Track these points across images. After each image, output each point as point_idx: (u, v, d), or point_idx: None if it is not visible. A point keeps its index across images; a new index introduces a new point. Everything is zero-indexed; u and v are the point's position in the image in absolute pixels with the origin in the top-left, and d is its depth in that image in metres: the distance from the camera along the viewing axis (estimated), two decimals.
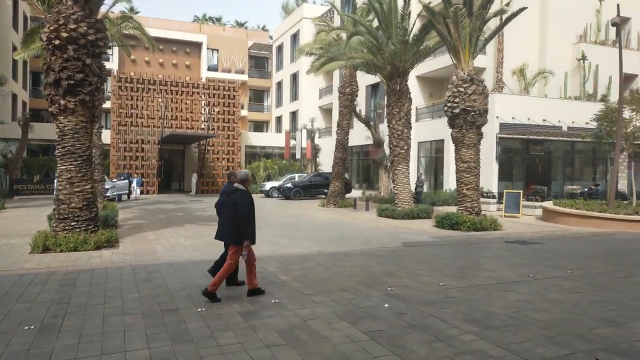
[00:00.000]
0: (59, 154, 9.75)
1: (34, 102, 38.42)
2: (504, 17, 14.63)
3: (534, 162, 24.23)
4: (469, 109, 13.76)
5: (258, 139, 37.69)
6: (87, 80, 9.67)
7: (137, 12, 53.33)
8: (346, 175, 32.35)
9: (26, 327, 4.82)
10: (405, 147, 16.93)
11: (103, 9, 17.90)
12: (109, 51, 39.57)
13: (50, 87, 9.54)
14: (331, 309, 5.55)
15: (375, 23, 17.37)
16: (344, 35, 20.11)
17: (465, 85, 13.83)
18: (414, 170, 26.99)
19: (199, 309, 5.48)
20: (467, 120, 13.88)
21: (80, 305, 5.60)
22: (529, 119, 22.94)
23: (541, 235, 12.79)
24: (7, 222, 14.09)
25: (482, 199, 20.51)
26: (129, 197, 25.69)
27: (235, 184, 6.07)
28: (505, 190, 18.87)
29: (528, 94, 25.43)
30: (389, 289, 6.54)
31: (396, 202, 16.96)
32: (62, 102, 9.54)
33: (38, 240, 9.26)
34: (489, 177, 22.50)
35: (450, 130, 14.56)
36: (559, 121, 23.43)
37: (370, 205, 20.35)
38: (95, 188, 10.26)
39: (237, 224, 5.67)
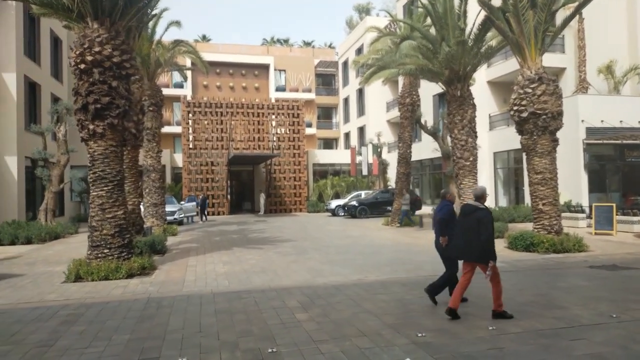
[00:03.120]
0: (91, 180, 9.64)
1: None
2: (574, 4, 12.71)
3: (632, 170, 21.15)
4: (538, 112, 11.98)
5: (325, 157, 37.15)
6: (114, 104, 9.51)
7: (209, 40, 56.00)
8: (416, 191, 30.79)
9: None
10: (471, 159, 15.25)
11: (157, 36, 18.41)
12: (186, 79, 41.74)
13: (80, 112, 9.48)
14: None
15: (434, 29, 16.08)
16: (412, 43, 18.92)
17: (532, 86, 12.09)
18: (490, 182, 24.80)
19: (181, 359, 4.66)
20: (537, 125, 12.09)
21: (60, 350, 5.04)
22: (621, 121, 20.09)
23: (637, 257, 10.61)
24: (69, 247, 14.50)
25: (568, 214, 18.11)
26: (202, 219, 26.04)
27: (472, 202, 6.06)
28: (594, 204, 16.38)
29: (618, 94, 22.41)
30: (420, 334, 5.32)
31: None
32: (91, 126, 9.43)
33: (72, 269, 9.11)
34: (577, 188, 19.95)
35: (520, 137, 12.80)
36: None
37: None
38: (127, 214, 9.97)
39: (483, 243, 5.67)
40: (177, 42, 18.96)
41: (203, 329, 5.68)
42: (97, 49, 9.42)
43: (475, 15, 14.52)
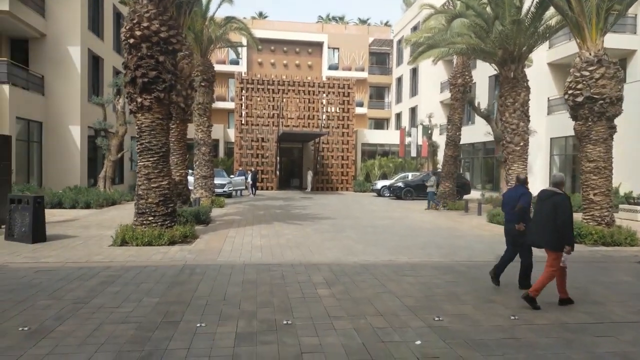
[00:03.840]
0: (138, 151, 10.13)
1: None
2: None
3: None
4: (595, 96, 11.23)
5: (375, 137, 36.78)
6: (161, 78, 9.87)
7: (265, 17, 56.34)
8: (466, 175, 29.95)
9: (19, 329, 4.73)
10: (522, 144, 14.59)
11: (210, 12, 18.73)
12: (238, 55, 42.37)
13: (129, 85, 9.92)
14: (345, 341, 4.54)
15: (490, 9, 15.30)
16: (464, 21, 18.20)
17: (590, 69, 11.32)
18: (545, 169, 23.72)
19: (199, 324, 4.90)
20: (593, 111, 11.35)
21: (94, 307, 5.44)
22: None
23: None
24: (123, 213, 15.34)
25: (627, 206, 17.03)
26: (252, 193, 26.89)
27: (550, 188, 5.98)
28: None
29: None
30: (437, 318, 5.28)
31: None
32: (139, 99, 9.86)
33: (119, 234, 9.71)
34: None
35: (574, 123, 12.10)
36: None
37: (488, 208, 18.16)
38: (171, 184, 10.42)
39: (558, 229, 5.60)
40: (229, 19, 19.25)
41: (227, 298, 5.92)
42: (145, 24, 9.77)
43: None
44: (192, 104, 14.11)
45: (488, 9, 15.20)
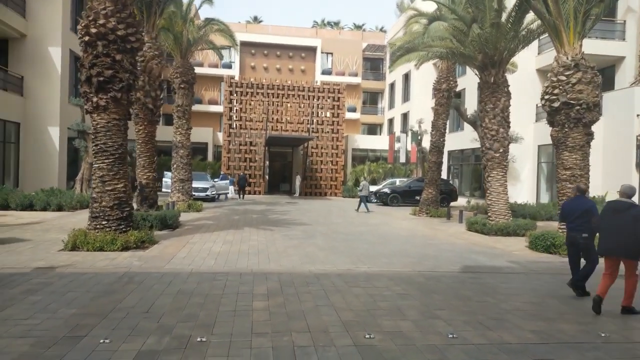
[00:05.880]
0: (93, 152, 9.76)
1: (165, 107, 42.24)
2: None
3: None
4: (572, 102, 10.89)
5: (365, 142, 36.45)
6: (118, 77, 9.51)
7: (260, 21, 56.17)
8: (455, 182, 29.56)
9: None
10: (501, 150, 14.25)
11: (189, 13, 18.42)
12: (231, 58, 42.09)
13: (85, 84, 9.56)
14: None
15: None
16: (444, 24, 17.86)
17: (567, 73, 10.98)
18: (532, 176, 23.37)
19: (103, 340, 4.50)
20: (570, 117, 11.01)
21: (1, 318, 5.03)
22: None
23: None
24: None
25: None
26: (240, 197, 26.62)
27: (623, 199, 6.09)
28: None
29: None
30: (368, 335, 4.88)
31: (489, 214, 14.37)
32: (95, 99, 9.50)
33: (70, 238, 9.31)
34: None
35: (551, 129, 11.75)
36: None
37: (472, 216, 17.76)
38: (128, 187, 10.04)
39: (639, 240, 5.78)
40: (209, 21, 18.93)
41: (151, 310, 5.52)
42: (101, 21, 9.42)
43: None
44: (161, 105, 13.76)
45: (469, 11, 14.89)
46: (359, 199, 20.99)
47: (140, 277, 7.11)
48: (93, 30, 9.35)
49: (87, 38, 9.40)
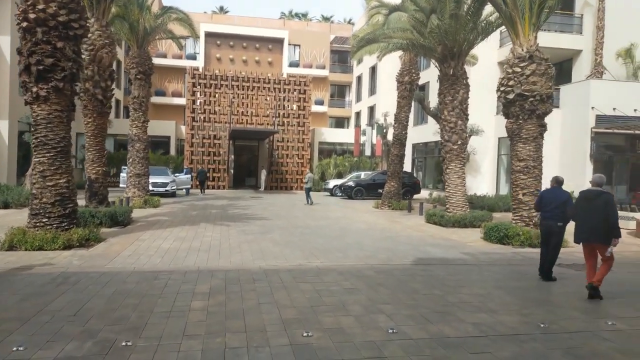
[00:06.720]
0: (33, 145, 9.24)
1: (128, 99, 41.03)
2: None
3: None
4: (526, 93, 10.99)
5: (332, 135, 36.30)
6: (59, 66, 8.98)
7: (226, 12, 55.15)
8: (418, 175, 29.82)
9: None
10: (459, 142, 14.33)
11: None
12: (195, 50, 41.12)
13: (24, 73, 9.00)
14: None
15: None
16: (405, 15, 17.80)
17: (522, 65, 11.08)
18: (492, 169, 23.74)
19: (17, 348, 4.17)
20: (524, 108, 11.12)
21: None
22: (635, 110, 18.68)
23: (618, 258, 9.67)
24: None
25: None
26: (201, 192, 26.06)
27: (595, 188, 6.43)
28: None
29: (638, 80, 20.84)
30: (306, 333, 4.71)
31: (447, 206, 14.46)
32: (35, 89, 8.95)
33: (8, 237, 8.79)
34: (582, 179, 18.75)
35: (506, 121, 11.85)
36: None
37: (432, 208, 17.87)
38: (72, 183, 9.55)
39: (609, 224, 6.13)
40: (167, 9, 18.32)
41: (80, 313, 5.20)
42: (41, 6, 8.86)
43: None
44: (111, 96, 13.17)
45: (429, 2, 14.86)
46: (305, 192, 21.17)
47: (76, 278, 6.73)
48: (32, 16, 8.78)
49: (25, 24, 8.82)
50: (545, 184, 9.26)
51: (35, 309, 5.28)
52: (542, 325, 5.16)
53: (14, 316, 5.02)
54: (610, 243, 6.19)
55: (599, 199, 6.26)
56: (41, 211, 9.14)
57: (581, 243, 6.61)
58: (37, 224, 9.09)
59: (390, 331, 4.84)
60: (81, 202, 12.97)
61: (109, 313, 5.22)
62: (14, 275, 6.79)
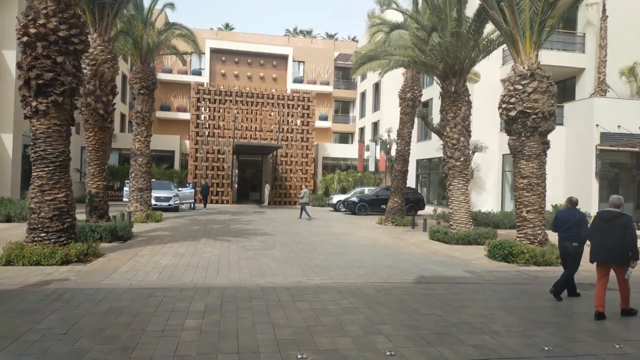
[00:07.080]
0: (32, 159, 9.21)
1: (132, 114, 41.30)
2: None
3: None
4: (528, 111, 10.91)
5: (336, 151, 36.31)
6: (59, 80, 9.01)
7: (232, 29, 55.78)
8: (422, 191, 29.65)
9: None
10: (462, 159, 14.24)
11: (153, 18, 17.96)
12: (201, 65, 41.50)
13: (23, 87, 9.04)
14: None
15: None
16: (406, 33, 17.89)
17: (523, 82, 11.01)
18: (497, 185, 23.59)
19: None
20: (526, 126, 11.02)
21: None
22: None
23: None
24: None
25: None
26: (205, 206, 26.03)
27: (612, 209, 6.43)
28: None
29: None
30: (300, 355, 4.57)
31: (451, 223, 14.31)
32: (34, 103, 8.98)
33: (5, 251, 8.72)
34: (587, 197, 18.61)
35: (508, 138, 11.76)
36: None
37: (436, 225, 17.69)
38: (70, 197, 9.50)
39: (628, 247, 6.11)
40: (171, 25, 18.50)
41: (72, 331, 5.09)
42: (42, 21, 8.93)
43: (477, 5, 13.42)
44: (113, 111, 13.21)
45: (431, 20, 14.92)
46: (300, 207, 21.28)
47: (70, 294, 6.63)
48: (32, 31, 8.85)
49: (25, 39, 8.89)
50: (550, 201, 9.17)
51: (26, 327, 5.18)
52: (546, 348, 4.99)
53: (3, 334, 4.92)
54: (628, 265, 6.15)
55: (618, 220, 6.24)
56: (39, 226, 9.08)
57: (595, 263, 6.52)
58: (35, 239, 9.03)
59: (389, 354, 4.69)
60: (82, 216, 12.97)
61: (100, 332, 5.10)
62: (7, 292, 6.69)
